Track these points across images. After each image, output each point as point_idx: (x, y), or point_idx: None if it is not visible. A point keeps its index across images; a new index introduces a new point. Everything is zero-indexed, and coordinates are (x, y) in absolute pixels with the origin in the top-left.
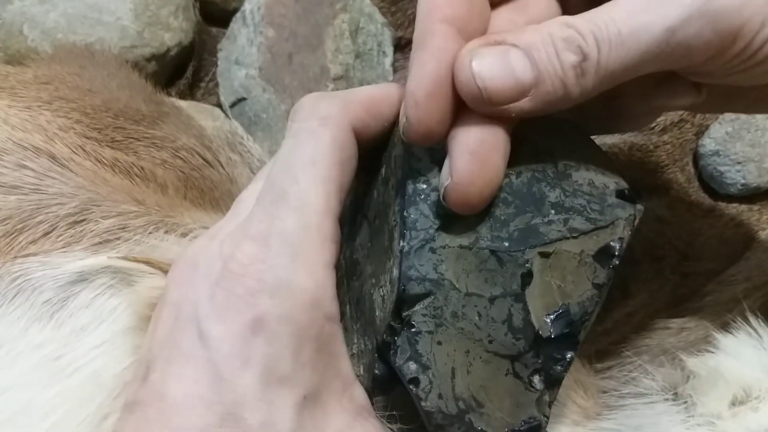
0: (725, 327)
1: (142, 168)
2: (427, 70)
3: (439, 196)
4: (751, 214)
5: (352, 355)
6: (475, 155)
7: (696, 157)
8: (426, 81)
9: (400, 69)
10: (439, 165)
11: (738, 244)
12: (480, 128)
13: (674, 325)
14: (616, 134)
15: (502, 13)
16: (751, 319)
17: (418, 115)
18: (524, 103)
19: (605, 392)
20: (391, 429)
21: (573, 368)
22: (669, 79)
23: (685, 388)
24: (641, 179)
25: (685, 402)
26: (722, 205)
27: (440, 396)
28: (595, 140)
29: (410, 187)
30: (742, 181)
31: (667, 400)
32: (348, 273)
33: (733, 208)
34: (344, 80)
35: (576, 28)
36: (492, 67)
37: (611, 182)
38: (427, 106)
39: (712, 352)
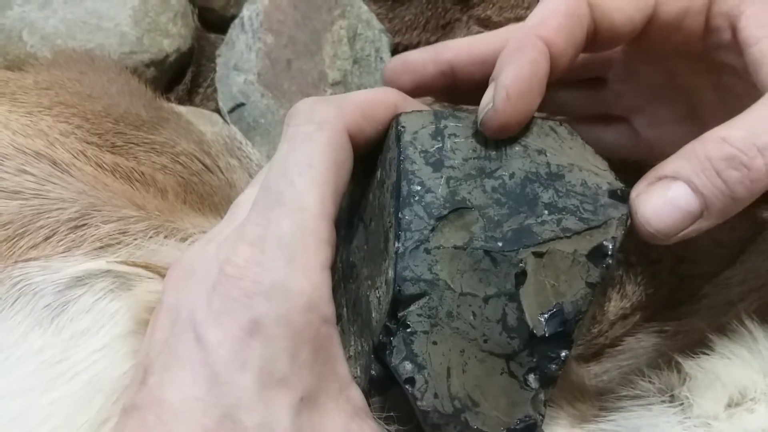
0: (721, 329)
1: (143, 173)
2: (525, 72)
3: (433, 196)
4: (746, 217)
5: (349, 357)
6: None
7: None
8: (522, 82)
9: None
10: (433, 167)
11: (733, 247)
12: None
13: (670, 327)
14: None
15: None
16: (747, 321)
17: (505, 108)
18: (701, 224)
19: (602, 394)
20: (388, 430)
21: (569, 371)
22: None
23: (682, 390)
24: (636, 181)
25: (682, 404)
26: None
27: (436, 395)
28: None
29: (405, 189)
30: None
31: (663, 401)
32: (345, 275)
33: None
34: (342, 86)
35: (734, 144)
36: (655, 207)
37: (604, 182)
38: (515, 103)
39: (708, 355)
